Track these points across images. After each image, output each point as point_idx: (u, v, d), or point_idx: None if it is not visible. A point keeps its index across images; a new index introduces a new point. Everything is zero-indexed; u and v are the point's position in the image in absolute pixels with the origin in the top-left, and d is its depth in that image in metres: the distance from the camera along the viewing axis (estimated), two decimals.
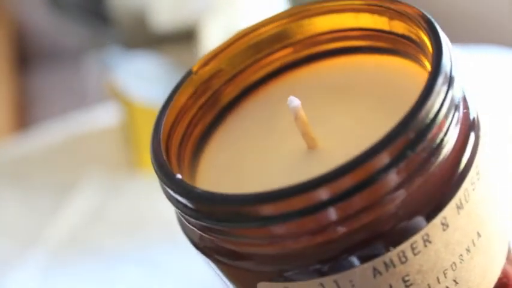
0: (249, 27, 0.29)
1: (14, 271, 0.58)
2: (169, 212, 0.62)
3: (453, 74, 0.23)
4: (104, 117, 0.76)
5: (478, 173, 0.23)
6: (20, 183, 0.69)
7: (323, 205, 0.21)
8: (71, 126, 0.76)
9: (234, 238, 0.22)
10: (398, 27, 0.26)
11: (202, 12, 0.66)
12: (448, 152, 0.22)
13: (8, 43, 1.35)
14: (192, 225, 0.24)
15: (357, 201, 0.21)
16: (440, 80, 0.22)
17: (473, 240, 0.23)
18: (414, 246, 0.22)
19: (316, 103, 0.27)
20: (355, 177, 0.21)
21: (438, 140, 0.22)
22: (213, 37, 0.63)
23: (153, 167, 0.24)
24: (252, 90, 0.29)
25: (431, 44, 0.24)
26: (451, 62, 0.23)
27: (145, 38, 0.70)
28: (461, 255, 0.23)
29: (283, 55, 0.29)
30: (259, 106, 0.29)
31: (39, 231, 0.62)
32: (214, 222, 0.22)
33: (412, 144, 0.21)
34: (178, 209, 0.24)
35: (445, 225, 0.22)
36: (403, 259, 0.22)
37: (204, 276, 0.54)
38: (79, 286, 0.55)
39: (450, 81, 0.22)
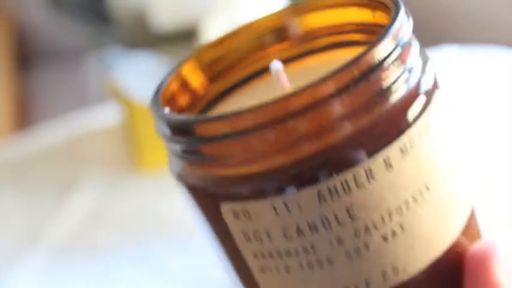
0: (248, 23, 0.31)
1: (14, 271, 0.58)
2: (170, 211, 0.62)
3: (404, 39, 0.25)
4: (104, 117, 0.76)
5: (427, 130, 0.25)
6: (20, 183, 0.69)
7: (275, 122, 0.24)
8: (71, 126, 0.76)
9: (206, 159, 0.25)
10: (380, 17, 0.28)
11: (203, 12, 0.66)
12: (396, 102, 0.25)
13: (8, 43, 1.35)
14: (175, 155, 0.27)
15: (305, 122, 0.24)
16: (389, 37, 0.25)
17: (420, 191, 0.25)
18: (357, 178, 0.24)
19: None
20: (304, 99, 0.24)
21: (384, 86, 0.24)
22: (213, 37, 0.63)
23: (150, 109, 0.27)
24: (247, 81, 0.31)
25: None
26: (404, 30, 0.25)
27: (145, 37, 0.70)
28: (407, 201, 0.25)
29: (280, 49, 0.31)
30: (252, 94, 0.30)
31: (39, 231, 0.62)
32: (195, 142, 0.25)
33: (355, 80, 0.24)
34: (165, 140, 0.26)
35: (388, 164, 0.24)
36: (347, 189, 0.24)
37: (205, 275, 0.54)
38: (79, 285, 0.55)
39: (400, 43, 0.25)
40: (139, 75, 0.67)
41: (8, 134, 1.19)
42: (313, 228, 0.25)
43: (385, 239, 0.25)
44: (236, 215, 0.25)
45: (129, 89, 0.66)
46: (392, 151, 0.24)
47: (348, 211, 0.24)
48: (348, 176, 0.24)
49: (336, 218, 0.24)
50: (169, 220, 0.60)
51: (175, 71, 0.29)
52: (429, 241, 0.25)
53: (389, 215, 0.25)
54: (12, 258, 0.59)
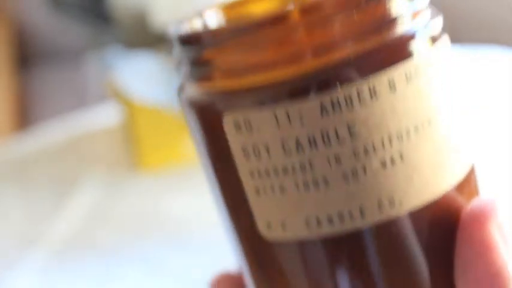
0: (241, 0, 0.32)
1: (14, 271, 0.58)
2: (170, 211, 0.62)
3: None
4: (104, 117, 0.76)
5: (432, 67, 0.26)
6: (20, 182, 0.69)
7: (282, 31, 0.25)
8: (71, 126, 0.76)
9: (213, 70, 0.26)
10: None
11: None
12: (403, 33, 0.25)
13: (8, 43, 1.35)
14: (185, 77, 0.27)
15: (312, 35, 0.25)
16: None
17: (422, 123, 0.26)
18: (360, 94, 0.25)
19: None
20: (313, 11, 0.25)
21: (392, 14, 0.25)
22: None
23: (168, 35, 0.28)
24: None
25: None
26: None
27: (145, 37, 0.70)
28: (408, 130, 0.25)
29: None
30: None
31: (39, 231, 0.62)
32: (203, 49, 0.26)
33: (360, 2, 0.25)
34: (178, 57, 0.27)
35: (392, 86, 0.25)
36: (349, 104, 0.25)
37: (205, 275, 0.54)
38: (79, 285, 0.55)
39: None
40: (140, 75, 0.67)
41: (8, 133, 1.19)
42: (312, 143, 0.25)
43: (383, 165, 0.25)
44: (238, 127, 0.26)
45: (129, 89, 0.66)
46: (397, 73, 0.25)
47: (349, 127, 0.25)
48: (351, 90, 0.24)
49: (336, 134, 0.25)
50: (169, 220, 0.60)
51: (199, 14, 0.30)
52: (427, 179, 0.26)
53: (390, 140, 0.25)
54: (12, 258, 0.59)
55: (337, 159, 0.25)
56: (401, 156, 0.25)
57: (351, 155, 0.25)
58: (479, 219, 0.26)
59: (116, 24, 0.70)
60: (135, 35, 0.70)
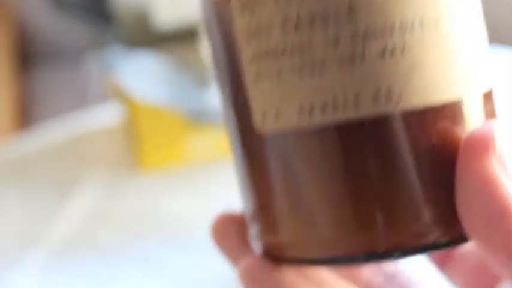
0: None
1: (14, 270, 0.58)
2: (170, 211, 0.62)
3: None
4: (106, 116, 0.76)
5: None
6: (20, 182, 0.69)
7: None
8: (72, 125, 0.76)
9: None
10: None
11: None
12: None
13: (9, 42, 1.35)
14: None
15: None
16: None
17: (429, 19, 0.25)
18: None
19: None
20: None
21: None
22: None
23: None
24: None
25: None
26: None
27: (147, 37, 0.70)
28: (413, 23, 0.24)
29: None
30: None
31: (39, 231, 0.62)
32: None
33: None
34: None
35: None
36: None
37: (205, 275, 0.54)
38: (79, 285, 0.55)
39: None
40: (141, 74, 0.67)
41: (9, 133, 1.19)
42: (311, 22, 0.24)
43: (383, 53, 0.24)
44: (243, 7, 0.25)
45: (130, 88, 0.66)
46: None
47: (349, 9, 0.24)
48: None
49: (336, 14, 0.24)
50: (170, 220, 0.60)
51: None
52: (430, 79, 0.24)
53: (391, 29, 0.24)
54: (12, 258, 0.59)
55: (335, 42, 0.24)
56: (402, 49, 0.24)
57: (349, 38, 0.24)
58: (478, 148, 0.24)
59: (117, 24, 0.70)
60: (137, 34, 0.70)
